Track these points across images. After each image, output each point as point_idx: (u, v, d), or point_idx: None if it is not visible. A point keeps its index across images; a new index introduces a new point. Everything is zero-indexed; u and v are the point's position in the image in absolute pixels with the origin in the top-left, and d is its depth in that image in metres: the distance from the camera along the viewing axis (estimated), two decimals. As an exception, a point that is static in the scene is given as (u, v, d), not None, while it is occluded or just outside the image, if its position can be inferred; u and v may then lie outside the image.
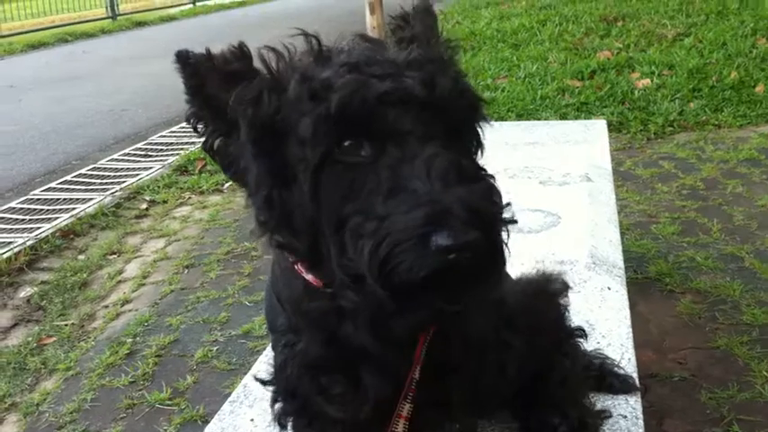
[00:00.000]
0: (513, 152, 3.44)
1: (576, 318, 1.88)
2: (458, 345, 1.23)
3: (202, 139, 1.14)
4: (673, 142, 5.92)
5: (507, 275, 1.57)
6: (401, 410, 1.21)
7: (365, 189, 0.98)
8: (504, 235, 1.00)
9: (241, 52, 1.11)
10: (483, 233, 0.93)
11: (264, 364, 1.83)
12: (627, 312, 2.04)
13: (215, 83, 1.10)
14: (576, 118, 6.32)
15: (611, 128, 6.19)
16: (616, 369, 1.74)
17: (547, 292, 1.56)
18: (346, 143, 1.00)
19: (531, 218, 2.63)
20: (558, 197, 2.84)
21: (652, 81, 7.10)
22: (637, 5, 10.77)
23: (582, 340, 1.62)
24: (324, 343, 1.20)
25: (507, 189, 3.01)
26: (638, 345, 3.04)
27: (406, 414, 1.20)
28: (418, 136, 0.99)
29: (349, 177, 1.00)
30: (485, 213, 0.95)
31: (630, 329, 1.96)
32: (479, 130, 1.14)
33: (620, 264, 2.35)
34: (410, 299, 0.97)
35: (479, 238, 0.92)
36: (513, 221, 1.02)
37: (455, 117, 1.05)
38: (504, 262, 1.01)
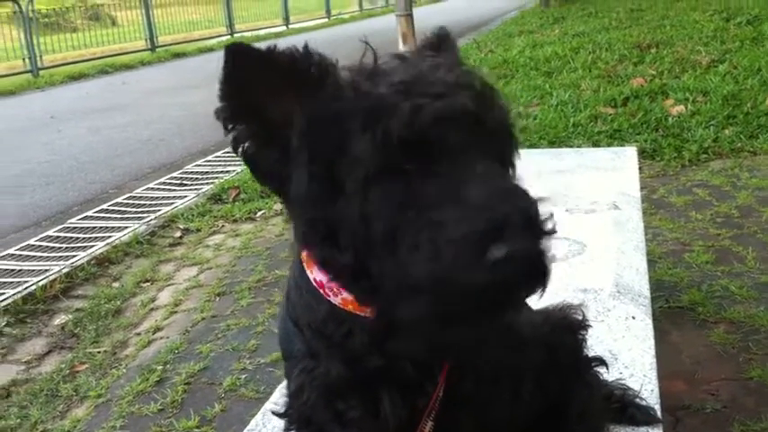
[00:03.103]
0: (539, 179, 3.42)
1: (598, 347, 1.87)
2: (469, 373, 1.22)
3: (232, 138, 1.09)
4: (707, 169, 5.85)
5: (526, 304, 1.56)
6: (424, 427, 1.20)
7: (420, 202, 0.97)
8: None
9: (308, 54, 1.08)
10: (539, 243, 0.95)
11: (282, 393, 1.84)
12: (651, 342, 2.01)
13: (269, 83, 1.06)
14: (609, 145, 6.28)
15: (645, 155, 6.15)
16: (638, 400, 1.72)
17: (565, 323, 1.54)
18: (398, 160, 0.99)
19: (556, 246, 2.61)
20: (584, 225, 2.82)
21: (686, 108, 7.04)
22: (671, 32, 10.75)
23: (602, 370, 1.61)
24: (345, 364, 1.19)
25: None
26: (670, 375, 3.01)
27: None
28: (472, 152, 1.00)
29: (403, 191, 0.99)
30: (540, 223, 0.97)
31: (654, 360, 1.93)
32: (515, 155, 1.14)
33: (646, 292, 2.32)
34: (461, 313, 0.97)
35: (537, 246, 0.94)
36: (555, 232, 1.02)
37: (501, 139, 1.07)
38: (550, 274, 1.01)
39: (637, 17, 13.52)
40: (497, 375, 1.26)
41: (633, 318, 2.13)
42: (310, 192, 1.05)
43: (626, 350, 1.96)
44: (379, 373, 1.17)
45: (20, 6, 16.43)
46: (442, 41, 1.23)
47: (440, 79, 1.03)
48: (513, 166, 1.13)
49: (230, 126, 1.08)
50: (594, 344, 1.63)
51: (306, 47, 1.08)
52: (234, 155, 1.12)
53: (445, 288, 0.93)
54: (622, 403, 1.70)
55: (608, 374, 1.67)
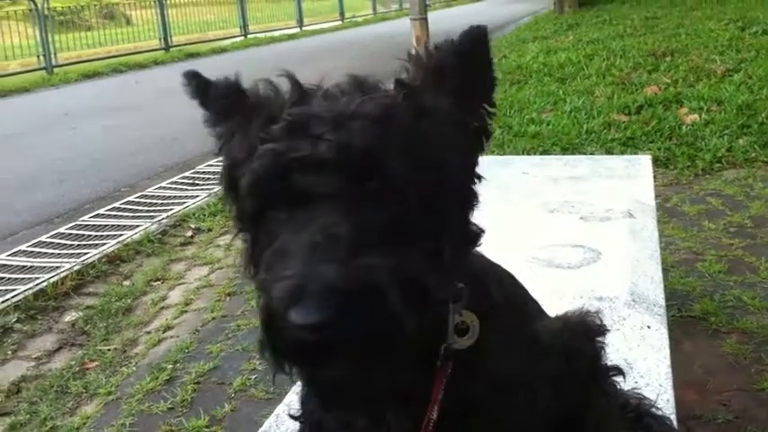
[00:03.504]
0: (554, 186, 3.42)
1: (614, 356, 1.86)
2: (482, 383, 1.21)
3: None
4: (720, 179, 5.82)
5: (543, 312, 1.56)
6: None
7: (273, 247, 1.02)
8: (391, 308, 0.95)
9: (234, 87, 1.16)
10: (339, 315, 0.91)
11: (296, 395, 1.83)
12: (667, 352, 2.00)
13: (212, 110, 1.17)
14: (623, 152, 6.26)
15: (658, 163, 6.12)
16: (653, 410, 1.71)
17: (583, 331, 1.53)
18: (272, 203, 1.04)
19: (570, 253, 2.61)
20: (599, 233, 2.81)
21: (700, 117, 7.01)
22: (686, 41, 10.72)
23: (619, 379, 1.60)
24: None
25: (547, 224, 2.99)
26: (681, 385, 2.99)
27: None
28: (325, 201, 0.99)
29: (271, 234, 1.04)
30: (347, 294, 0.92)
31: (670, 369, 1.92)
32: (456, 186, 1.09)
33: (662, 302, 2.31)
34: (305, 364, 1.00)
35: (330, 320, 0.91)
36: (422, 293, 0.99)
37: (389, 176, 1.01)
38: (398, 332, 0.96)
39: (651, 25, 13.49)
40: (513, 384, 1.25)
41: (648, 327, 2.12)
42: (233, 214, 1.14)
43: (641, 359, 1.95)
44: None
45: (35, 4, 16.52)
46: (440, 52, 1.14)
47: (329, 116, 1.03)
48: (437, 200, 1.05)
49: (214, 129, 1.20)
50: (610, 352, 1.61)
51: (234, 79, 1.17)
52: None
53: (270, 339, 0.98)
54: (638, 413, 1.69)
55: (624, 383, 1.66)
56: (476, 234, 1.13)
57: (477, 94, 1.13)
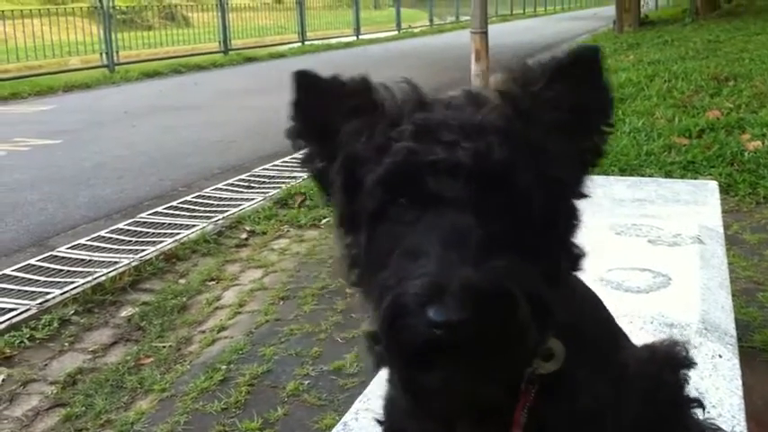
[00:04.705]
0: (619, 209, 3.37)
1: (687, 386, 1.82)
2: (565, 410, 1.19)
3: (302, 156, 1.18)
4: (783, 208, 5.70)
5: (629, 339, 1.53)
6: None
7: (400, 247, 1.01)
8: (521, 318, 0.96)
9: (365, 86, 1.14)
10: (477, 316, 0.92)
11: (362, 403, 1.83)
12: (739, 383, 1.96)
13: (334, 108, 1.13)
14: (683, 176, 6.16)
15: (719, 189, 6.01)
16: (728, 442, 1.67)
17: (671, 363, 1.51)
18: (397, 203, 1.03)
19: (639, 277, 2.57)
20: (668, 257, 2.77)
21: (763, 143, 6.87)
22: (749, 66, 10.53)
23: (698, 410, 1.57)
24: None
25: (615, 246, 2.95)
26: (742, 417, 2.92)
27: None
28: (458, 205, 0.99)
29: (394, 234, 1.03)
30: (486, 296, 0.93)
31: (742, 401, 1.88)
32: (567, 203, 1.10)
33: (732, 331, 2.27)
34: (418, 366, 0.99)
35: (469, 320, 0.91)
36: (543, 309, 0.99)
37: (520, 188, 1.02)
38: (520, 345, 0.97)
39: (714, 48, 13.28)
40: (597, 413, 1.23)
41: (720, 356, 2.08)
42: (340, 216, 1.12)
43: (713, 389, 1.91)
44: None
45: (101, 2, 16.86)
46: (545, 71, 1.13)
47: (459, 124, 1.03)
48: (556, 215, 1.07)
49: (299, 145, 1.17)
50: (683, 381, 1.59)
51: (365, 78, 1.15)
52: None
53: (390, 339, 0.98)
54: (714, 444, 1.65)
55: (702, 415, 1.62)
56: (578, 256, 1.11)
57: (594, 114, 1.13)
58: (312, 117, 1.15)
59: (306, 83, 1.15)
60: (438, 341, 0.93)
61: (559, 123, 1.07)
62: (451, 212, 0.99)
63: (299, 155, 1.19)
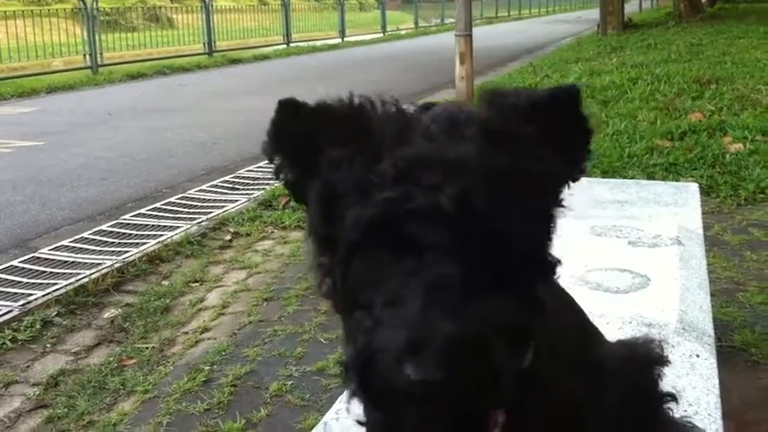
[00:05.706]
0: (601, 210, 3.40)
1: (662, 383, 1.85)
2: (538, 403, 1.19)
3: (274, 167, 1.14)
4: (764, 209, 5.75)
5: (603, 336, 1.55)
6: None
7: (377, 289, 0.99)
8: (500, 367, 0.94)
9: (350, 111, 1.10)
10: (456, 373, 0.90)
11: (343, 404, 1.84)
12: (716, 381, 1.99)
13: (316, 134, 1.09)
14: (665, 178, 6.21)
15: (700, 191, 6.06)
16: (704, 439, 1.69)
17: (648, 360, 1.52)
18: (377, 243, 1.01)
19: (618, 278, 2.60)
20: (647, 259, 2.79)
21: (745, 146, 6.93)
22: (731, 69, 10.63)
23: (673, 405, 1.59)
24: None
25: (595, 247, 2.97)
26: (720, 416, 2.96)
27: None
28: (439, 251, 0.98)
29: (372, 269, 1.01)
30: (466, 352, 0.91)
31: (719, 399, 1.91)
32: (547, 224, 1.08)
33: (711, 331, 2.29)
34: (387, 412, 0.99)
35: (447, 379, 0.89)
36: (524, 338, 1.00)
37: (502, 229, 0.99)
38: (497, 388, 0.95)
39: (697, 52, 13.39)
40: (571, 409, 1.24)
41: (697, 356, 2.10)
42: (316, 233, 1.09)
43: (690, 388, 1.94)
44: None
45: (85, 3, 16.79)
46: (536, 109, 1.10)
47: (439, 162, 1.00)
48: (537, 258, 1.06)
49: (274, 158, 1.14)
50: (659, 379, 1.61)
51: (351, 103, 1.10)
52: None
53: (362, 380, 0.96)
54: (690, 441, 1.68)
55: (675, 411, 1.65)
56: (554, 264, 1.11)
57: (572, 148, 1.12)
58: (286, 140, 1.12)
59: (286, 109, 1.12)
60: (411, 394, 0.91)
61: (540, 156, 1.06)
62: (432, 258, 0.97)
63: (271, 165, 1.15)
